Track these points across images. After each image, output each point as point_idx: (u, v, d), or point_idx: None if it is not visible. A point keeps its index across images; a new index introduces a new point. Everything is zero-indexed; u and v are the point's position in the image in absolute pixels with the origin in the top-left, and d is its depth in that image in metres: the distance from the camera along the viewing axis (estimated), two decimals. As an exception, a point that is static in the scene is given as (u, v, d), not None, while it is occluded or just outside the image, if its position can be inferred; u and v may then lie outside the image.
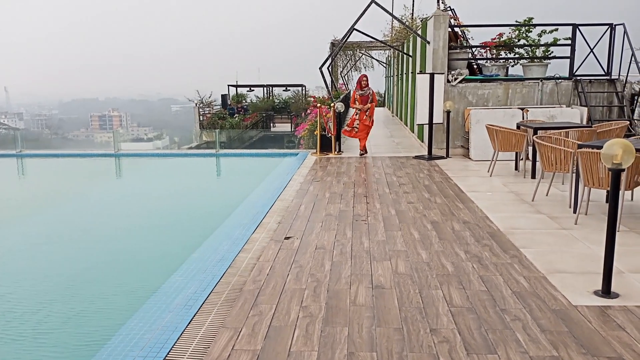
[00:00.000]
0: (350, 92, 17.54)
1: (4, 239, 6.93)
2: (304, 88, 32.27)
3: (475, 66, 11.34)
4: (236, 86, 32.44)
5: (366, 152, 10.77)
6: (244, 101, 31.56)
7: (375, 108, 10.77)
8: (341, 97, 14.81)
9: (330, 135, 10.81)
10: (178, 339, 3.20)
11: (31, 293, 4.97)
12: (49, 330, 4.19)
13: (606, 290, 3.64)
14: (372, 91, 10.52)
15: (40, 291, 5.01)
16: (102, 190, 10.12)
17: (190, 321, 3.41)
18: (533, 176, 7.80)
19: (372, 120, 10.64)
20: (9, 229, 7.40)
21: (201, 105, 28.07)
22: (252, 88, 33.11)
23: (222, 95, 29.78)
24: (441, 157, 10.12)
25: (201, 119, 27.41)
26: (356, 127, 10.52)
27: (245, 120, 27.17)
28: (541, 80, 10.29)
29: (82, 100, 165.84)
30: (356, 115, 10.47)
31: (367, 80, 10.38)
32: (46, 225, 7.54)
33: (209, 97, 28.70)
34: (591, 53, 10.32)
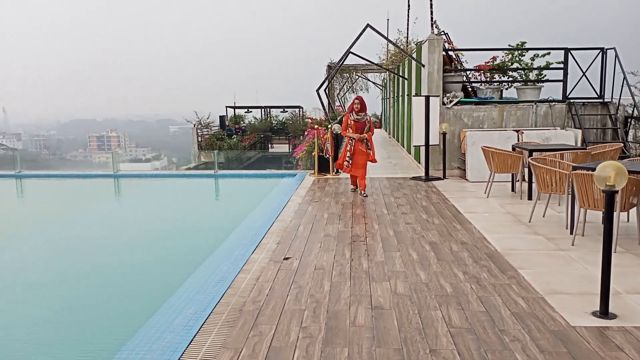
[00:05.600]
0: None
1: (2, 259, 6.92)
2: (301, 109, 32.54)
3: (469, 89, 11.51)
4: (234, 107, 32.70)
5: (364, 192, 8.54)
6: (242, 122, 31.79)
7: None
8: (338, 118, 14.95)
9: (327, 156, 10.90)
10: (179, 359, 3.20)
11: (27, 316, 4.95)
12: (48, 351, 4.17)
13: (604, 311, 3.67)
14: (369, 118, 8.56)
15: (36, 313, 4.99)
16: (101, 211, 10.12)
17: (191, 342, 3.42)
18: (529, 197, 7.87)
19: (374, 152, 8.58)
20: (7, 248, 7.39)
21: (199, 126, 28.24)
22: (250, 109, 33.39)
23: (220, 116, 30.00)
24: (438, 178, 10.20)
25: (199, 139, 27.54)
26: (348, 161, 8.45)
27: (243, 141, 27.32)
28: (535, 103, 10.44)
29: (80, 121, 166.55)
30: (349, 146, 8.44)
31: (361, 103, 8.36)
32: (45, 244, 7.53)
33: (207, 118, 28.91)
34: (584, 76, 10.50)
